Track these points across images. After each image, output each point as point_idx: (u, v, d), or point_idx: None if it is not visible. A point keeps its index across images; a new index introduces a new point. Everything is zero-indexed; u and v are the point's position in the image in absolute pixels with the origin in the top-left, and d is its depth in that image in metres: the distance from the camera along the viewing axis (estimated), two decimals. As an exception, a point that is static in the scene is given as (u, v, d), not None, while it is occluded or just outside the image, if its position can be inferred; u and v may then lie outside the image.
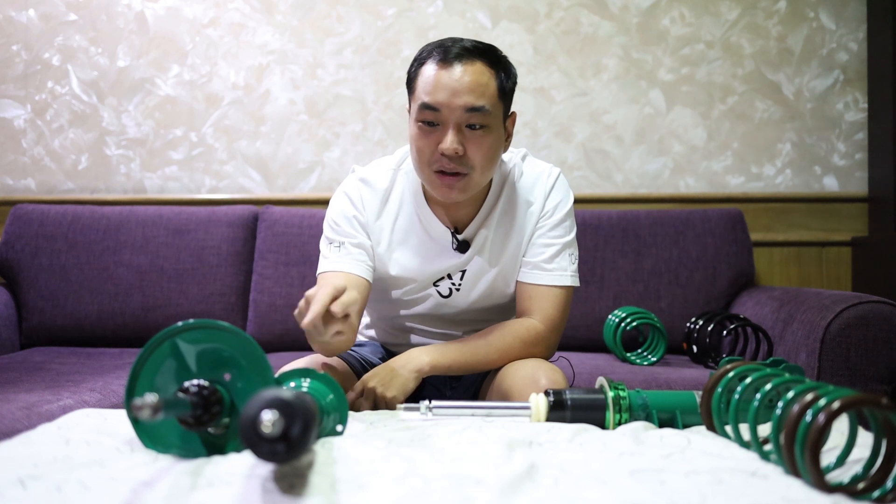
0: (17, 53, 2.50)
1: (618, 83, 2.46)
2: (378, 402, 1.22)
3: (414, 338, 1.48)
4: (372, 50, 2.47)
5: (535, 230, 1.38)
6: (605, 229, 2.20)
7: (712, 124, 2.46)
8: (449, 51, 1.26)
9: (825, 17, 2.45)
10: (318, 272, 1.36)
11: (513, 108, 1.38)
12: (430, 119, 1.25)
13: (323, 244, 1.38)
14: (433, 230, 1.37)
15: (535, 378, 1.25)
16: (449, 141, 1.24)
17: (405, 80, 1.35)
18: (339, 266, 1.32)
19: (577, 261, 1.40)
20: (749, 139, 2.46)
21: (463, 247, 1.37)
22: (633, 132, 2.46)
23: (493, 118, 1.27)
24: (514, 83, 1.34)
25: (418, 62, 1.30)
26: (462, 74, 1.24)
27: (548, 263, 1.36)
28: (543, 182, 1.40)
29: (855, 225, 2.43)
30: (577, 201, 2.38)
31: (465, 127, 1.25)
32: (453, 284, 1.40)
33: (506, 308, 1.46)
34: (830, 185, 2.46)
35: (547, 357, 1.38)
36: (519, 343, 1.33)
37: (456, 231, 1.37)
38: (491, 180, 1.39)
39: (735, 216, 2.23)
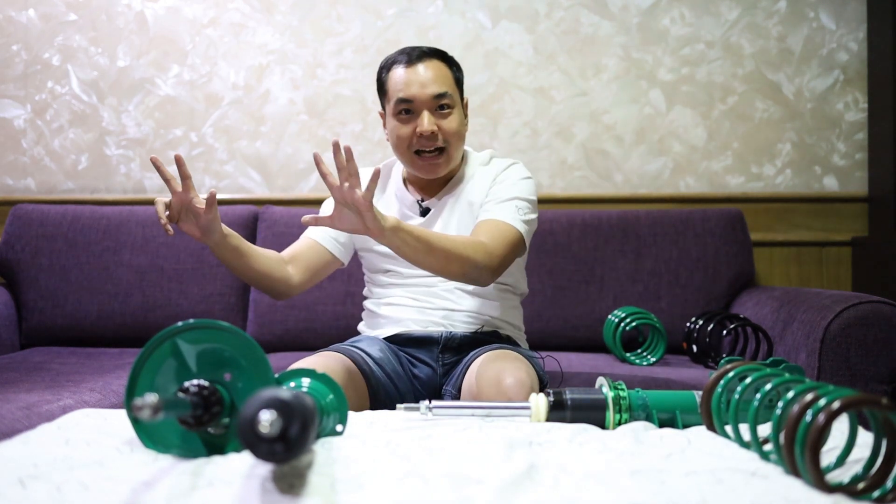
0: (16, 53, 2.50)
1: (618, 83, 2.46)
2: (347, 195, 1.24)
3: (401, 285, 1.61)
4: (372, 50, 2.47)
5: (487, 193, 1.58)
6: (605, 229, 2.20)
7: (712, 124, 2.46)
8: (411, 54, 1.54)
9: (825, 17, 2.45)
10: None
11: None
12: (406, 109, 1.52)
13: None
14: (405, 201, 1.64)
15: (499, 379, 1.30)
16: (426, 122, 1.51)
17: (376, 92, 1.61)
18: (312, 235, 1.61)
19: (527, 218, 1.52)
20: (749, 139, 2.46)
21: (425, 212, 1.62)
22: (633, 132, 2.46)
23: (455, 100, 1.55)
24: (462, 75, 1.62)
25: (385, 69, 1.57)
26: (426, 70, 1.53)
27: (495, 206, 1.53)
28: (504, 164, 1.63)
29: (855, 225, 2.43)
30: (576, 201, 2.42)
31: (436, 110, 1.52)
32: None
33: None
34: (830, 185, 2.46)
35: (483, 277, 1.43)
36: (469, 248, 1.39)
37: (421, 201, 1.63)
38: (461, 162, 1.65)
39: (735, 216, 2.23)
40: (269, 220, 2.23)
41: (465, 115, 1.61)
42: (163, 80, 2.49)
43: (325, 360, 1.37)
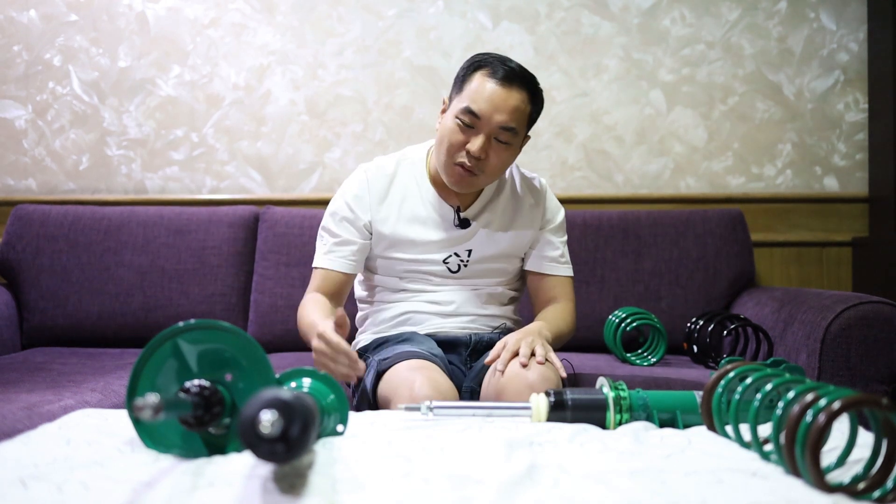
0: (18, 54, 2.50)
1: (618, 84, 2.46)
2: (534, 351, 1.38)
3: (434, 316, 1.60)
4: (373, 50, 2.47)
5: (541, 227, 1.64)
6: (605, 230, 2.20)
7: (713, 125, 2.46)
8: (508, 73, 1.45)
9: (825, 17, 2.45)
10: (313, 265, 1.59)
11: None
12: (468, 122, 1.45)
13: (319, 234, 1.60)
14: (438, 208, 1.58)
15: (524, 374, 1.32)
16: (478, 145, 1.45)
17: (454, 77, 1.52)
18: (324, 265, 1.56)
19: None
20: (749, 139, 2.46)
21: (464, 224, 1.57)
22: (633, 132, 2.47)
23: (517, 138, 1.49)
24: (540, 111, 1.54)
25: (475, 66, 1.48)
26: (508, 97, 1.44)
27: (562, 258, 1.65)
28: (537, 187, 1.66)
29: (855, 225, 2.43)
30: (577, 201, 2.43)
31: (494, 139, 1.46)
32: (461, 261, 1.59)
33: (503, 281, 1.65)
34: (831, 185, 2.46)
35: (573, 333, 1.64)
36: (572, 320, 1.62)
37: (458, 210, 1.58)
38: None
39: (735, 216, 2.23)
40: (269, 221, 2.23)
41: (520, 149, 1.54)
42: (164, 81, 2.49)
43: (425, 371, 1.34)
